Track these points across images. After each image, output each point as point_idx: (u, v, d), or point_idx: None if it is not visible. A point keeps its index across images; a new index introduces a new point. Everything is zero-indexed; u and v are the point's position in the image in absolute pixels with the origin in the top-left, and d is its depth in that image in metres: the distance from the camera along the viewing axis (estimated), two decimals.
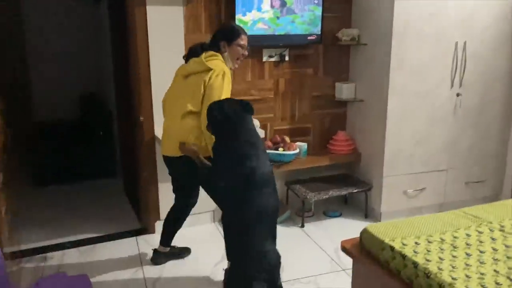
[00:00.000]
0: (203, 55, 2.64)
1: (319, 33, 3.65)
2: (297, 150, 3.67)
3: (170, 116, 2.78)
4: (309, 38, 3.64)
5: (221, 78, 2.57)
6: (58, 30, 5.44)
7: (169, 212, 3.03)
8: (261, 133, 3.55)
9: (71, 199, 4.27)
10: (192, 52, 2.74)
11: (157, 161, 3.42)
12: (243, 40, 2.72)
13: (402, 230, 2.29)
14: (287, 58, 3.71)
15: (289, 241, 3.44)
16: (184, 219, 3.05)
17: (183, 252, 3.19)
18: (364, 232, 2.34)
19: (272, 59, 3.67)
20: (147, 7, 3.17)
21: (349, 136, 3.98)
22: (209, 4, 3.38)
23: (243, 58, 2.80)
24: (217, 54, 2.66)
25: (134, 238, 3.46)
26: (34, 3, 5.30)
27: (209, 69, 2.58)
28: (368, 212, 3.84)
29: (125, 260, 3.14)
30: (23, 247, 3.17)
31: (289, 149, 3.61)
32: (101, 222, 3.69)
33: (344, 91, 3.85)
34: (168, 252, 3.10)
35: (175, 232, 3.07)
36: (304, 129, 3.94)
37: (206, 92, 2.58)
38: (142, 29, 3.20)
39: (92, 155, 4.80)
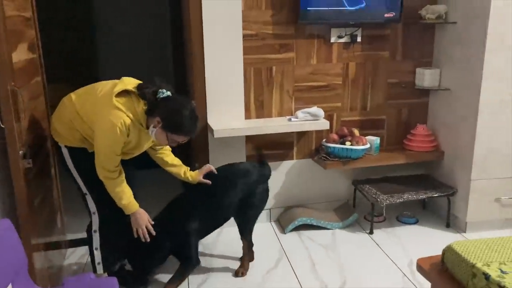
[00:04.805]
0: (118, 88, 2.13)
1: (398, 9, 3.13)
2: (368, 145, 3.20)
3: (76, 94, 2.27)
4: (386, 15, 3.14)
5: (108, 137, 2.11)
6: (126, 21, 5.33)
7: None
8: (325, 124, 3.14)
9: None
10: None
11: (209, 152, 3.13)
12: (181, 139, 2.23)
13: (499, 252, 1.78)
14: (359, 39, 3.23)
15: (355, 249, 3.01)
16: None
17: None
18: (448, 250, 1.86)
19: (342, 40, 3.21)
20: None
21: (430, 130, 3.43)
22: None
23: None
24: (132, 101, 2.15)
25: None
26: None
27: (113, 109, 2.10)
28: (450, 221, 3.28)
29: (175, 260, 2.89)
30: (70, 236, 3.03)
31: (357, 144, 3.15)
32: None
33: (427, 78, 3.30)
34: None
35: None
36: (376, 121, 3.45)
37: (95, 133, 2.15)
38: (195, 6, 2.90)
39: None
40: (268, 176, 2.75)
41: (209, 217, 2.57)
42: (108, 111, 2.10)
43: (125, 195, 2.24)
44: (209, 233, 2.71)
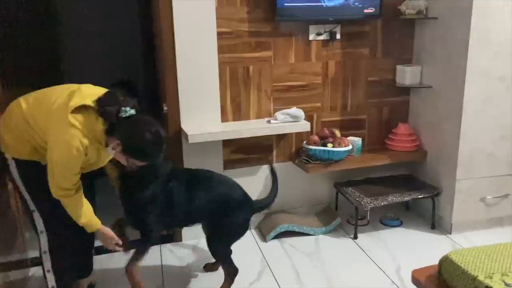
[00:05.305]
0: (74, 101, 1.87)
1: (378, 5, 3.02)
2: (350, 146, 3.08)
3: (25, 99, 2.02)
4: (366, 11, 3.02)
5: (64, 157, 1.87)
6: (92, 19, 5.07)
7: None
8: (306, 125, 2.99)
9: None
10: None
11: (183, 158, 2.94)
12: (141, 163, 2.02)
13: (500, 261, 1.67)
14: (338, 36, 3.10)
15: (339, 255, 2.87)
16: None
17: None
18: (446, 261, 1.74)
19: (320, 38, 3.07)
20: None
21: (412, 130, 3.33)
22: None
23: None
24: (90, 118, 1.89)
25: (157, 246, 3.00)
26: None
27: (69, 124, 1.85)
28: (435, 222, 3.19)
29: (144, 271, 2.68)
30: (32, 254, 2.79)
31: (339, 145, 3.03)
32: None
33: (407, 75, 3.20)
34: None
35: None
36: (357, 121, 3.33)
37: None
38: (165, 2, 2.70)
39: None
40: (251, 208, 2.55)
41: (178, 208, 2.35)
42: (64, 129, 1.85)
43: (84, 213, 2.00)
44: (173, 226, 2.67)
